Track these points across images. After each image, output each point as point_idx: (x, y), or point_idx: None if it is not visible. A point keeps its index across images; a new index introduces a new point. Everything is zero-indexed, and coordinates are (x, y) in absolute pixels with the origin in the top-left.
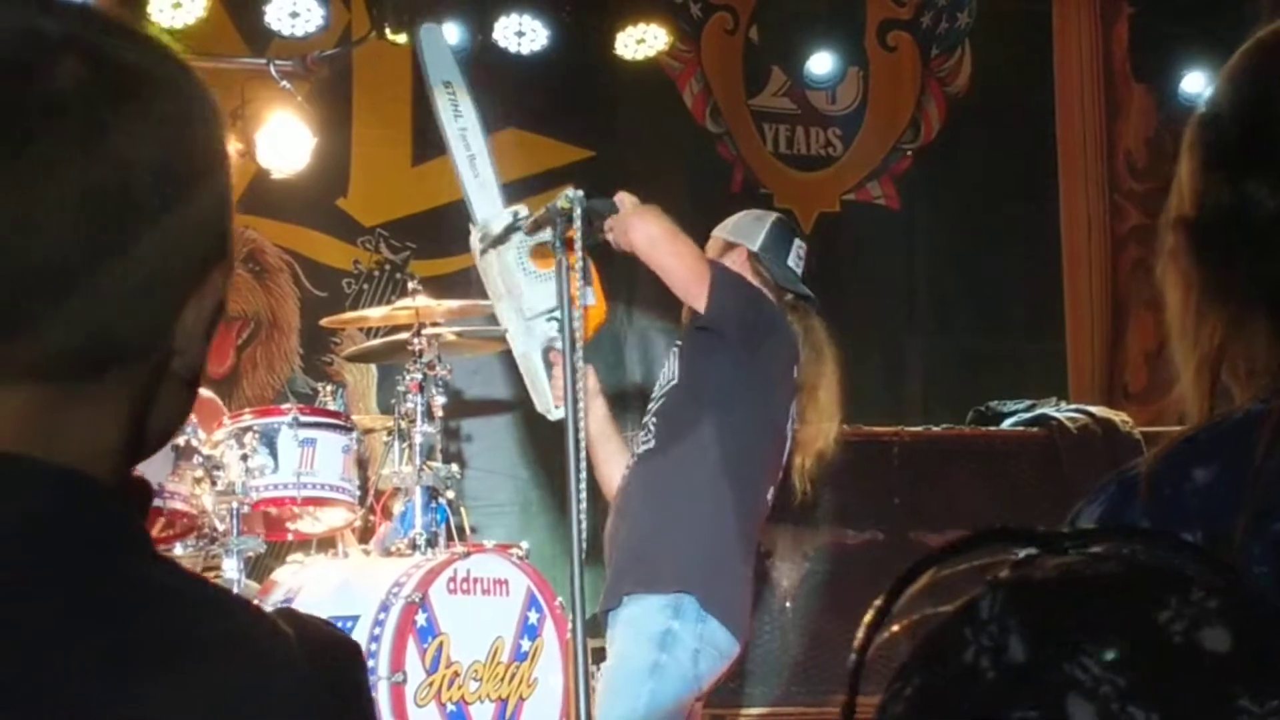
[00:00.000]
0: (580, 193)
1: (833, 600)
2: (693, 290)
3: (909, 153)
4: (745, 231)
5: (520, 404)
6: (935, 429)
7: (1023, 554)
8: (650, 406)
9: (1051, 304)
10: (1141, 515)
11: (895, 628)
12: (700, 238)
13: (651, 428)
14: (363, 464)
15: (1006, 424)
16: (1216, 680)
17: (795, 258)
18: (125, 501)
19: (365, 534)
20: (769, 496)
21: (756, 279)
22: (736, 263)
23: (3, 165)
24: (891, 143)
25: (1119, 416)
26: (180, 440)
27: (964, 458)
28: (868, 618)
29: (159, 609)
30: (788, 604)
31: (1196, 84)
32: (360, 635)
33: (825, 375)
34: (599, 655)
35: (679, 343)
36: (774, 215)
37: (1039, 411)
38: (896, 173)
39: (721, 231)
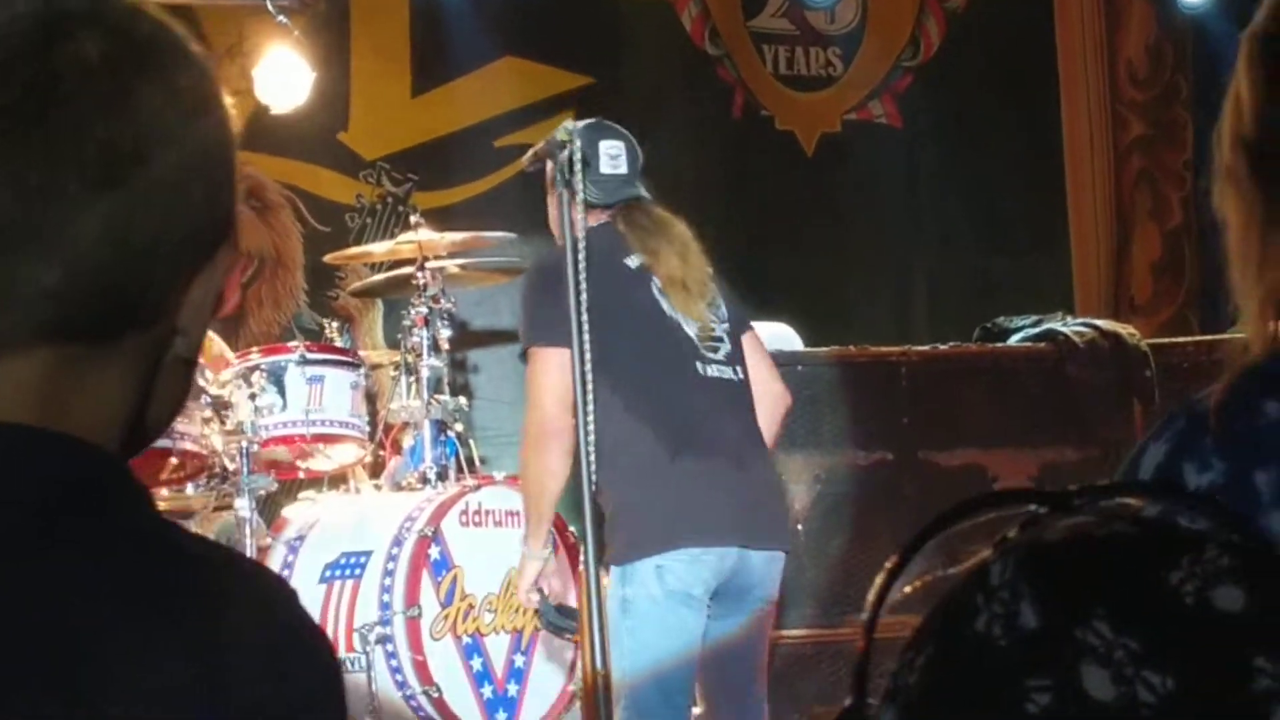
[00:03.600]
0: (580, 125)
1: (845, 522)
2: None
3: (909, 70)
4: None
5: None
6: (942, 347)
7: (1031, 513)
8: None
9: (1056, 217)
10: (1213, 452)
11: (908, 589)
12: (702, 163)
13: None
14: (371, 399)
15: (1013, 340)
16: (1231, 640)
17: (608, 163)
18: (128, 470)
19: (376, 469)
20: (681, 380)
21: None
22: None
23: (29, 129)
24: (891, 61)
25: (1126, 329)
26: None
27: (972, 375)
28: (878, 581)
29: (164, 565)
30: (799, 527)
31: None
32: (374, 571)
33: (679, 258)
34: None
35: None
36: (579, 129)
37: (1045, 327)
38: (897, 91)
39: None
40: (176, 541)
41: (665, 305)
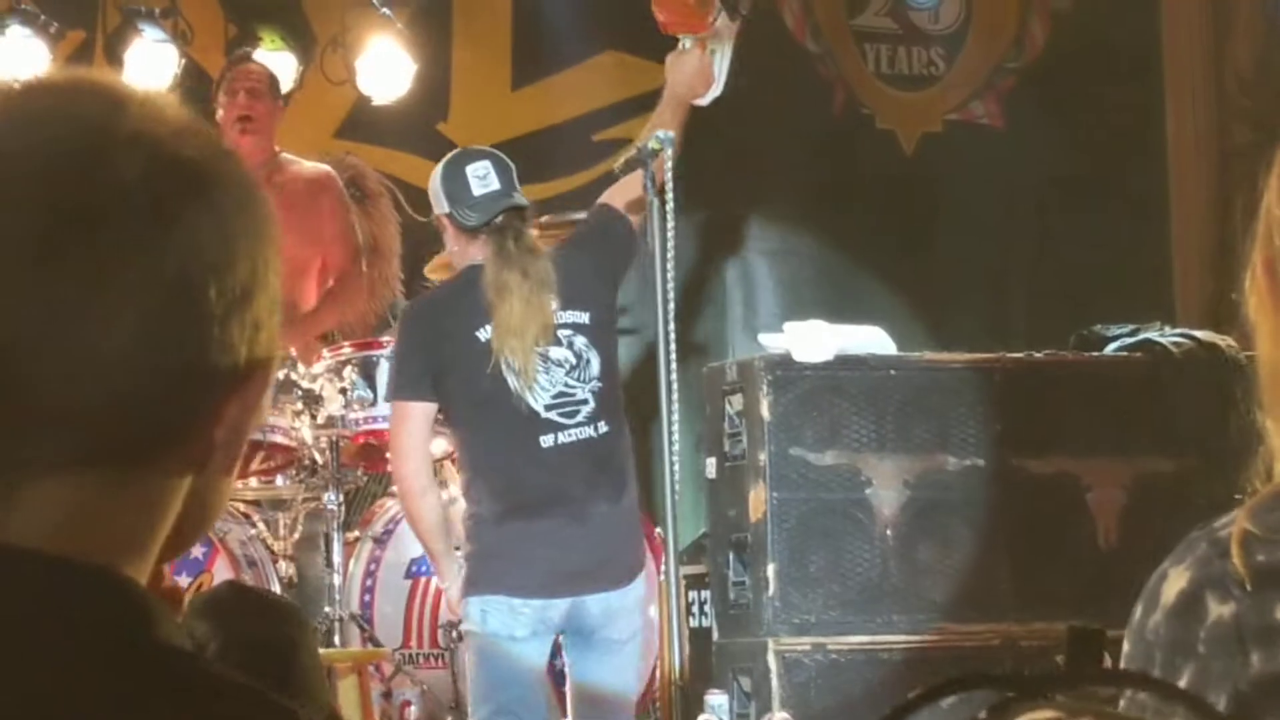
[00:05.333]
0: (671, 134)
1: (933, 528)
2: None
3: (1013, 71)
4: (434, 194)
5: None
6: (1037, 355)
7: (999, 700)
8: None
9: (1158, 224)
10: (1234, 581)
11: None
12: (801, 162)
13: None
14: None
15: (1109, 349)
16: None
17: (478, 185)
18: (152, 599)
19: None
20: (518, 455)
21: (458, 240)
22: (449, 234)
23: (68, 253)
24: (995, 61)
25: (1224, 340)
26: (280, 374)
27: (1066, 383)
28: None
29: (169, 692)
30: (888, 531)
31: None
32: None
33: (523, 302)
34: (694, 581)
35: None
36: (444, 161)
37: (1143, 336)
38: (1001, 91)
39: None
40: (187, 668)
41: (512, 381)
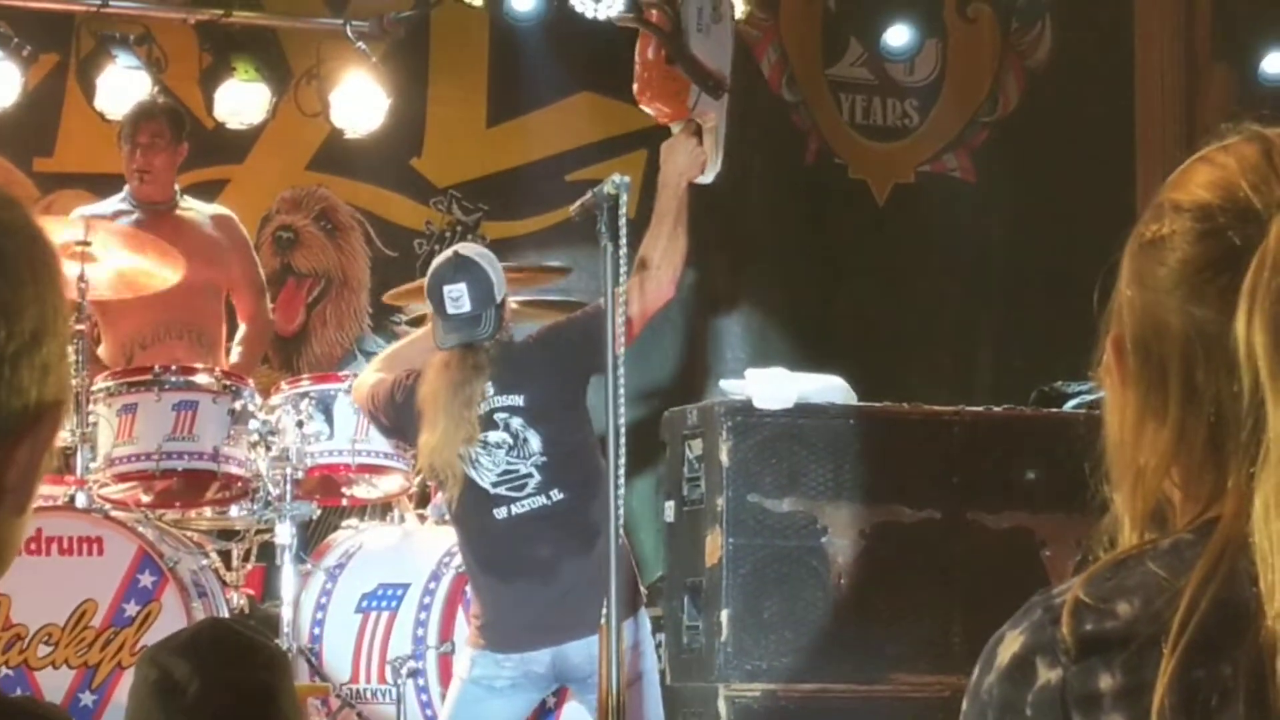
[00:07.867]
0: (626, 178)
1: (887, 578)
2: None
3: (986, 125)
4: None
5: None
6: (996, 409)
7: None
8: None
9: None
10: (1060, 648)
11: None
12: (773, 209)
13: None
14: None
15: (1069, 405)
16: None
17: (451, 305)
18: None
19: (423, 498)
20: (479, 527)
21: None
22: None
23: None
24: (969, 115)
25: None
26: (236, 405)
27: (1025, 439)
28: None
29: None
30: (842, 580)
31: (1278, 64)
32: (410, 604)
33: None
34: (651, 625)
35: None
36: (430, 270)
37: (1103, 393)
38: (973, 145)
39: None
40: None
41: (465, 467)
